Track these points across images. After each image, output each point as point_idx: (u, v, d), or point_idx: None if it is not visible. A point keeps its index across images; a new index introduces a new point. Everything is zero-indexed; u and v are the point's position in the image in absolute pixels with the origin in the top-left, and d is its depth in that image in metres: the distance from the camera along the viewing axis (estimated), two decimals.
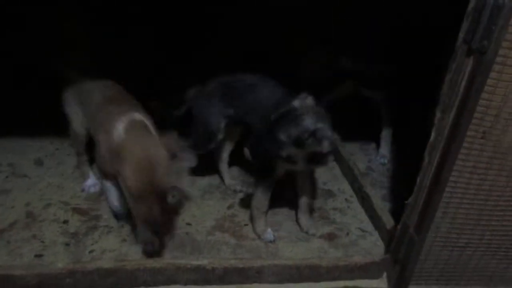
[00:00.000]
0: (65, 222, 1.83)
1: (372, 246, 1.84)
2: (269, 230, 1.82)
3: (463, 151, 1.38)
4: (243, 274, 1.61)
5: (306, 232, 1.87)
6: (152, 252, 1.67)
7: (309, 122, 1.50)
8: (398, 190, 2.15)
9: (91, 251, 1.68)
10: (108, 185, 1.70)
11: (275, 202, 1.87)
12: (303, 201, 1.87)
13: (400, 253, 1.61)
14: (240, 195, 2.10)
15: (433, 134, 1.44)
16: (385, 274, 1.71)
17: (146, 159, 1.44)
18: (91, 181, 2.04)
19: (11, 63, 2.75)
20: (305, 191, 1.87)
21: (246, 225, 1.90)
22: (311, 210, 1.94)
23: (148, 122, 1.65)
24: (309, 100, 1.58)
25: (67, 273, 1.52)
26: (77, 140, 2.00)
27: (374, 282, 1.69)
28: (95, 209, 1.92)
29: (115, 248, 1.69)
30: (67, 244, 1.71)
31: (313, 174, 1.95)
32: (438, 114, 1.42)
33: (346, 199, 2.16)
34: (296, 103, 1.56)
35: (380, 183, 2.32)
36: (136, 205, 1.47)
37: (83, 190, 2.02)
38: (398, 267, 1.62)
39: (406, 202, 1.56)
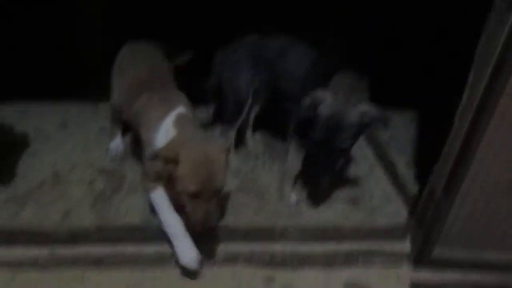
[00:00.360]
0: (91, 182, 1.86)
1: (396, 211, 1.82)
2: (294, 192, 1.82)
3: (497, 112, 1.33)
4: (267, 233, 1.63)
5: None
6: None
7: (351, 119, 1.48)
8: (422, 157, 2.11)
9: (117, 209, 1.71)
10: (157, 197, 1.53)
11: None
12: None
13: (426, 217, 1.59)
14: (264, 158, 2.10)
15: (465, 95, 1.39)
16: (409, 237, 1.70)
17: (202, 156, 1.36)
18: (117, 141, 2.05)
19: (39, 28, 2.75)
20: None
21: (269, 187, 1.90)
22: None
23: (191, 113, 1.59)
24: (324, 96, 1.53)
25: (95, 229, 1.56)
26: (113, 109, 1.99)
27: (397, 245, 1.68)
28: (120, 170, 1.94)
29: (140, 207, 1.72)
30: (94, 203, 1.74)
31: None
32: (472, 74, 1.36)
33: (369, 165, 2.13)
34: (323, 111, 1.51)
35: (403, 149, 2.27)
36: (193, 204, 1.38)
37: (108, 151, 2.04)
38: (423, 230, 1.61)
39: (434, 167, 1.53)
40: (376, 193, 1.92)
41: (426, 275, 1.67)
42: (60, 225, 1.58)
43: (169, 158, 1.35)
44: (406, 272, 1.67)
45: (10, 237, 1.57)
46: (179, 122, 1.50)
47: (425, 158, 1.62)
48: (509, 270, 1.69)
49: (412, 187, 1.82)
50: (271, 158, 2.09)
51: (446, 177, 1.50)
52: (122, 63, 1.89)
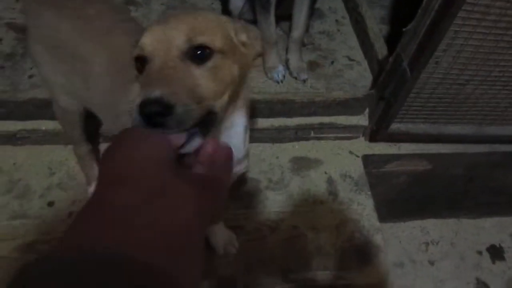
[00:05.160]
0: None
1: (359, 78, 1.60)
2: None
3: None
4: None
5: (296, 77, 1.56)
6: None
7: None
8: (402, 11, 1.79)
9: (30, 76, 1.44)
10: None
11: None
12: (296, 37, 1.52)
13: (388, 89, 1.38)
14: None
15: None
16: (367, 111, 1.53)
17: None
18: None
19: None
20: (300, 23, 1.50)
21: None
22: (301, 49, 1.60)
23: None
24: None
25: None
26: None
27: (353, 119, 1.51)
28: None
29: None
30: (2, 67, 1.46)
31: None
32: None
33: (336, 21, 1.81)
34: None
35: (381, 1, 1.93)
36: None
37: None
38: (383, 104, 1.42)
39: (404, 29, 1.24)
40: (339, 56, 1.67)
41: (380, 148, 1.55)
42: None
43: None
44: (359, 146, 1.55)
45: None
46: None
47: (405, 13, 1.31)
48: (467, 141, 1.58)
49: (381, 49, 1.55)
50: None
51: (417, 41, 1.23)
52: None
